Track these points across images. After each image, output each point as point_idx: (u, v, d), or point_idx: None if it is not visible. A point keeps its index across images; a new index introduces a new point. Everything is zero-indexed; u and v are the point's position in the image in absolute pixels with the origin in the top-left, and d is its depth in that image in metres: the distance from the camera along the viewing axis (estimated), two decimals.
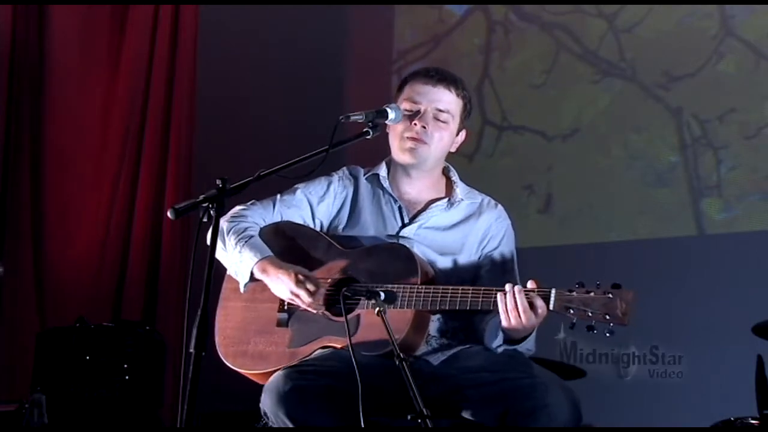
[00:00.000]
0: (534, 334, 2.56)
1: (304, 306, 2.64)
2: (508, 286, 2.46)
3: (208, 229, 2.32)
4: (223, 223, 2.73)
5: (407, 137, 2.73)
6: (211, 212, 2.26)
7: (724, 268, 4.14)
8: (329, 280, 2.68)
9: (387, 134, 2.80)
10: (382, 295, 2.42)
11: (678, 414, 3.88)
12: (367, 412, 2.33)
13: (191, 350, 2.15)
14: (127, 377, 4.28)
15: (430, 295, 2.53)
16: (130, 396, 4.28)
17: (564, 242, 4.51)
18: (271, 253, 2.68)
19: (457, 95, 2.77)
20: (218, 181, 2.27)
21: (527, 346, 2.60)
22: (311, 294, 2.61)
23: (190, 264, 2.22)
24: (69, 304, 4.90)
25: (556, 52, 4.74)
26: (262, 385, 2.53)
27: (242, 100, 5.44)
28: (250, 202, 2.82)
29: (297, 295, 2.61)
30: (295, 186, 2.85)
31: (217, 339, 2.75)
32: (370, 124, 2.60)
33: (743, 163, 4.23)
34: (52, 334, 4.42)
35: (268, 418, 2.49)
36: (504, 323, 2.47)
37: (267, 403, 2.46)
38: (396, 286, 2.54)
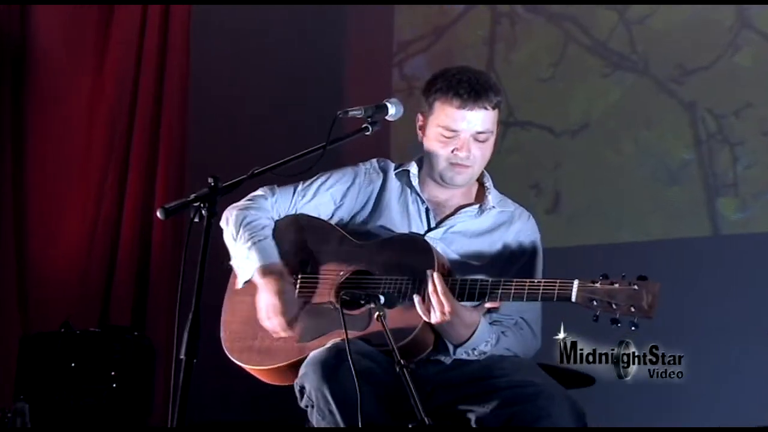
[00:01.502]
0: (481, 338, 2.57)
1: (272, 333, 2.67)
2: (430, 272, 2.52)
3: (205, 228, 2.31)
4: (240, 209, 2.79)
5: (451, 163, 2.73)
6: (203, 212, 2.26)
7: (740, 269, 4.14)
8: (342, 273, 2.69)
9: (388, 130, 2.82)
10: (382, 298, 2.43)
11: (682, 415, 3.92)
12: (382, 413, 2.37)
13: (182, 356, 2.16)
14: (114, 385, 4.28)
15: (447, 286, 2.53)
16: (118, 405, 4.29)
17: (572, 243, 4.52)
18: (275, 260, 2.71)
19: (494, 107, 2.73)
20: (210, 180, 2.28)
21: (483, 348, 2.60)
22: (283, 326, 2.64)
23: (181, 266, 2.23)
24: (53, 308, 4.90)
25: (564, 44, 4.75)
26: (263, 391, 2.55)
27: (236, 96, 5.44)
28: (269, 186, 2.85)
29: (267, 321, 2.65)
30: (318, 177, 2.85)
31: (222, 334, 2.78)
32: (369, 119, 2.61)
33: (761, 160, 4.24)
34: (36, 339, 4.43)
35: (303, 395, 2.50)
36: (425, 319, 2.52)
37: (311, 378, 2.47)
38: (411, 278, 2.56)
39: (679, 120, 4.43)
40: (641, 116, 4.53)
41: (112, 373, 4.30)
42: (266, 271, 2.69)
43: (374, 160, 2.91)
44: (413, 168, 2.84)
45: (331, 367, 2.45)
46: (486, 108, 2.70)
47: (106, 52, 5.24)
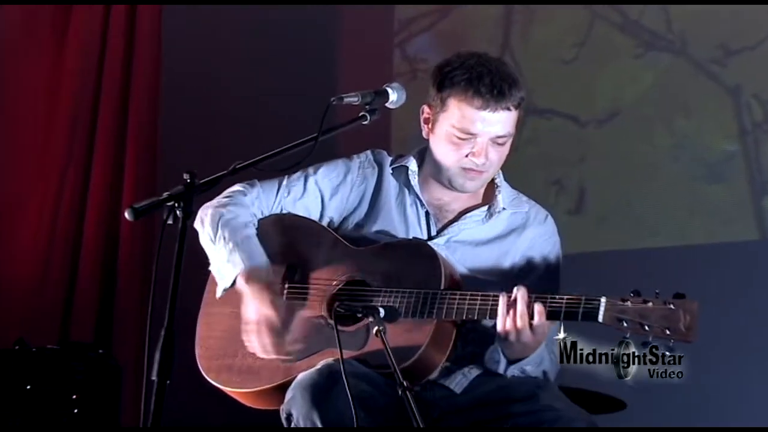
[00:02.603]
0: (540, 355, 2.58)
1: (258, 353, 2.65)
2: (515, 289, 2.49)
3: (180, 231, 2.30)
4: (217, 207, 2.77)
5: (463, 168, 2.71)
6: (178, 212, 2.26)
7: None
8: (335, 283, 2.69)
9: (388, 119, 2.82)
10: (382, 311, 2.43)
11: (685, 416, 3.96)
12: None
13: (153, 377, 2.16)
14: (76, 410, 4.28)
15: (456, 301, 2.53)
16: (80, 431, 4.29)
17: (598, 248, 4.52)
18: (262, 261, 2.69)
19: (517, 107, 2.70)
20: (186, 176, 2.28)
21: (533, 371, 2.62)
22: (275, 348, 2.61)
23: (152, 275, 2.23)
24: (6, 323, 4.90)
25: (590, 21, 4.75)
26: (247, 408, 2.56)
27: (215, 81, 5.45)
28: (248, 182, 2.83)
29: (251, 330, 2.63)
30: (305, 170, 2.84)
31: (197, 351, 2.77)
32: (367, 107, 2.61)
33: None
34: None
35: (290, 422, 2.49)
36: (498, 327, 2.50)
37: (299, 403, 2.46)
38: (414, 290, 2.55)
39: (722, 107, 4.43)
40: (678, 103, 4.53)
41: (74, 397, 4.29)
42: (252, 275, 2.66)
43: (369, 152, 2.90)
44: (412, 164, 2.82)
45: (322, 391, 2.44)
46: (509, 109, 2.67)
47: (65, 46, 5.27)
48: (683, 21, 4.54)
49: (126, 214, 2.26)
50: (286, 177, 2.84)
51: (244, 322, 2.66)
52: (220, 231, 2.73)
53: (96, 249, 5.12)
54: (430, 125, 2.77)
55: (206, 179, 2.34)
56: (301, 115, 3.09)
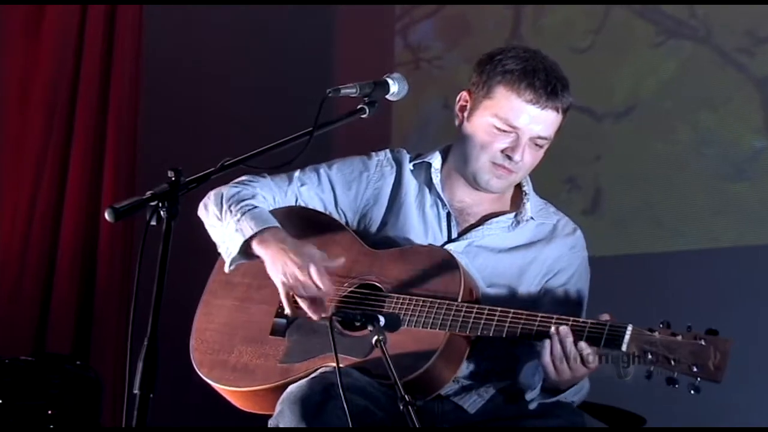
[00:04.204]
0: (584, 383, 2.59)
1: (306, 306, 2.61)
2: (557, 329, 2.48)
3: (164, 233, 2.28)
4: (224, 188, 2.76)
5: (494, 163, 2.71)
6: (162, 213, 2.26)
7: None
8: (346, 284, 2.70)
9: (389, 112, 2.82)
10: (382, 319, 2.43)
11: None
12: None
13: (135, 391, 2.16)
14: (51, 426, 4.29)
15: (472, 315, 2.53)
16: None
17: (616, 251, 4.52)
18: (278, 225, 2.67)
19: (564, 112, 2.73)
20: (170, 173, 2.28)
21: (572, 398, 2.62)
22: (323, 285, 2.57)
23: (134, 281, 2.23)
24: None
25: (606, 6, 4.75)
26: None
27: (202, 72, 5.46)
28: (261, 174, 2.83)
29: (298, 281, 2.58)
30: (320, 164, 2.86)
31: (192, 342, 2.78)
32: (366, 99, 2.61)
33: None
34: None
35: None
36: (547, 371, 2.50)
37: (287, 417, 2.46)
38: (429, 299, 2.56)
39: (749, 100, 4.43)
40: (701, 96, 4.53)
41: (49, 412, 4.30)
42: (267, 237, 2.63)
43: (388, 150, 2.91)
44: (436, 161, 2.83)
45: (313, 405, 2.45)
46: (557, 110, 2.70)
47: (38, 46, 5.29)
48: (707, 6, 4.54)
49: (106, 215, 2.26)
50: (299, 170, 2.85)
51: (281, 282, 2.62)
52: (225, 206, 2.72)
53: (74, 253, 5.12)
54: (466, 113, 2.77)
55: (193, 177, 2.34)
56: (295, 108, 3.10)
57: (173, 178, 2.27)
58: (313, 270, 2.57)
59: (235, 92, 5.40)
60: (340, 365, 2.53)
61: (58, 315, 5.08)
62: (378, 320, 2.43)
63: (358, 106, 2.62)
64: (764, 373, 4.10)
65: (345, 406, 2.32)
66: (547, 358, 2.48)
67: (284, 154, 2.50)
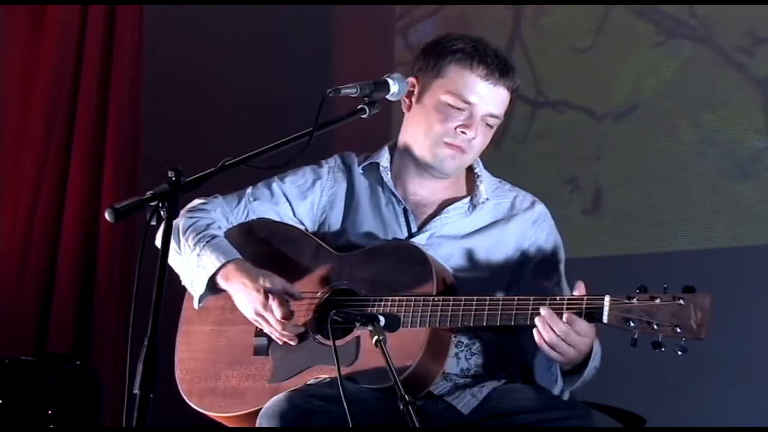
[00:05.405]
0: (596, 348, 2.56)
1: (273, 335, 2.64)
2: (542, 311, 2.47)
3: (164, 233, 2.30)
4: (179, 219, 2.75)
5: (446, 143, 2.73)
6: (162, 213, 2.27)
7: None
8: (319, 294, 2.69)
9: (389, 113, 2.82)
10: (382, 319, 2.43)
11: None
12: None
13: (136, 391, 2.17)
14: (52, 426, 4.29)
15: (449, 308, 2.54)
16: None
17: (617, 251, 4.52)
18: (238, 256, 2.70)
19: (513, 92, 2.78)
20: (170, 173, 2.28)
21: (594, 366, 2.59)
22: (285, 317, 2.60)
23: (134, 281, 2.23)
24: None
25: (606, 6, 4.75)
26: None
27: (202, 72, 5.46)
28: (212, 196, 2.84)
29: (263, 318, 2.62)
30: (271, 178, 2.86)
31: (177, 374, 2.78)
32: (366, 99, 2.62)
33: None
34: None
35: None
36: (552, 357, 2.51)
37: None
38: (405, 297, 2.56)
39: (750, 100, 4.43)
40: (702, 96, 4.53)
41: (49, 412, 4.30)
42: (232, 270, 2.65)
43: (337, 156, 2.93)
44: (383, 159, 2.84)
45: (293, 419, 2.44)
46: (508, 89, 2.75)
47: (40, 45, 5.30)
48: (707, 6, 4.54)
49: (106, 215, 2.27)
50: (251, 186, 2.87)
51: (251, 318, 2.66)
52: (182, 239, 2.73)
53: (74, 253, 5.13)
54: (414, 97, 2.79)
55: (193, 177, 2.34)
56: (295, 108, 3.10)
57: (173, 178, 2.28)
58: (274, 305, 2.60)
59: (235, 92, 5.41)
60: (328, 376, 2.55)
61: (58, 315, 5.08)
62: (378, 320, 2.44)
63: (358, 106, 2.63)
64: (765, 373, 4.10)
65: (347, 409, 2.31)
66: (543, 345, 2.47)
67: (284, 154, 2.51)
